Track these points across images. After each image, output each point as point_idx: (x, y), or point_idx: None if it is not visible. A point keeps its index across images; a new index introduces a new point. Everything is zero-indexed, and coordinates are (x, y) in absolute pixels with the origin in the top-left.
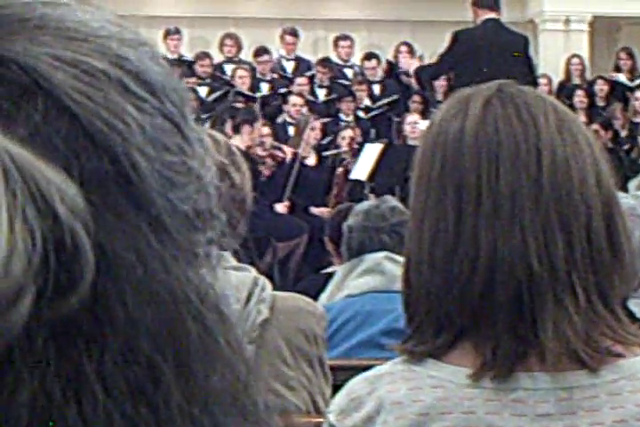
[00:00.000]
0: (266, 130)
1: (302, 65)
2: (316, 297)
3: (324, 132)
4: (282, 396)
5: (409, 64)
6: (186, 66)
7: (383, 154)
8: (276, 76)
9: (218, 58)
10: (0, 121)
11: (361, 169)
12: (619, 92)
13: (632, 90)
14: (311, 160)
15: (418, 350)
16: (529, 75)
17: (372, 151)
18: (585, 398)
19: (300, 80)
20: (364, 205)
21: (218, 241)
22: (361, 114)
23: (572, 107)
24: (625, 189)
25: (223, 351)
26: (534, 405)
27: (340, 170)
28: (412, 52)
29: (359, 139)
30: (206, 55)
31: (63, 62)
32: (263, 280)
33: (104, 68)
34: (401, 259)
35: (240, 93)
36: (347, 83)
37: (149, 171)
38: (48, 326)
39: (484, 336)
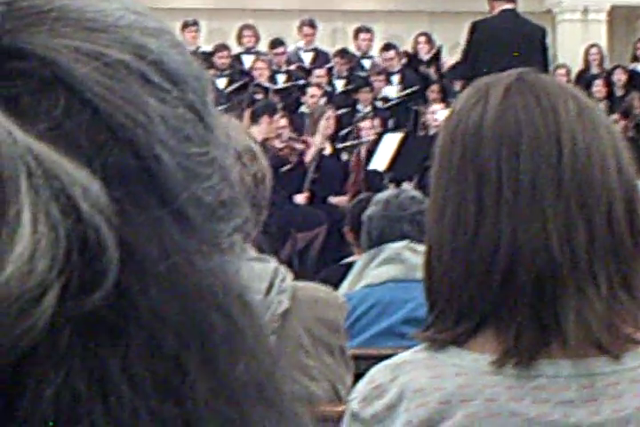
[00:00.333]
0: (283, 121)
1: (320, 56)
2: (336, 287)
3: (341, 122)
4: (304, 386)
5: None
6: (204, 58)
7: (402, 144)
8: (292, 67)
9: (235, 50)
10: (21, 116)
11: (380, 159)
12: (637, 82)
13: None
14: (327, 150)
15: (439, 338)
16: (544, 65)
17: (391, 141)
18: (607, 384)
19: (318, 72)
20: (384, 194)
21: (241, 229)
22: (379, 104)
23: (590, 96)
24: None
25: (248, 343)
26: (556, 392)
27: (354, 157)
28: (430, 42)
29: (378, 129)
30: (224, 47)
31: (83, 55)
32: (284, 271)
33: (125, 59)
34: (421, 248)
35: (259, 85)
36: (365, 74)
37: (172, 163)
38: (72, 323)
39: (506, 324)
